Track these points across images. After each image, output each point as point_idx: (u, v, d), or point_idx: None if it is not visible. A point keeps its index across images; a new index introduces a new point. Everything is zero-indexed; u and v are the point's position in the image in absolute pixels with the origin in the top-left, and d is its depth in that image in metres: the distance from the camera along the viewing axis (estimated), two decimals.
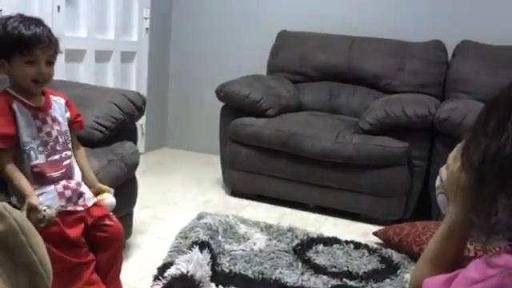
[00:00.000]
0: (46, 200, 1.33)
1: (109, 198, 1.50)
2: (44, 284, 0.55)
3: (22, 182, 1.30)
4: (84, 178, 1.48)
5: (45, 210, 1.27)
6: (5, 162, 1.31)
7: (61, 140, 1.40)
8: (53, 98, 1.44)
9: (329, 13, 3.37)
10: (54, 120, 1.40)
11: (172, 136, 3.96)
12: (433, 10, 3.15)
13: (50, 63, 1.35)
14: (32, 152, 1.33)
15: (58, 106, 1.44)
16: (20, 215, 0.55)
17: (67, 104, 1.48)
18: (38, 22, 1.34)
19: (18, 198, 1.32)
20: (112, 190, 1.54)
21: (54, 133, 1.39)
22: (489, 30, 2.98)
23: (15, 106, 1.32)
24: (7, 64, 1.31)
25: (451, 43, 2.98)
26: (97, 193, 1.49)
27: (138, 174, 2.01)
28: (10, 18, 1.32)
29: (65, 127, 1.44)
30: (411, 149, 2.51)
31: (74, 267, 1.36)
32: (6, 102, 1.32)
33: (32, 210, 1.27)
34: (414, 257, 2.09)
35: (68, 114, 1.47)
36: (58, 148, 1.39)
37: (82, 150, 1.54)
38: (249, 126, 2.72)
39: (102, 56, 3.09)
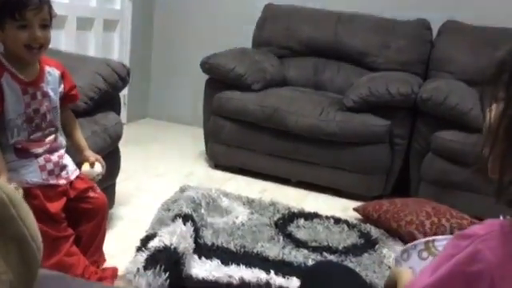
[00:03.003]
0: (27, 173, 1.31)
1: (96, 168, 1.47)
2: (35, 257, 0.55)
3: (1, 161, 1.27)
4: (74, 145, 1.46)
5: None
6: None
7: (48, 117, 1.36)
8: (47, 69, 1.38)
9: None
10: (45, 95, 1.35)
11: (155, 107, 3.92)
12: None
13: (45, 26, 1.28)
14: (15, 129, 1.29)
15: (52, 79, 1.38)
16: (9, 188, 0.55)
17: (62, 76, 1.43)
18: None
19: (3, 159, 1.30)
20: (100, 158, 1.51)
21: (43, 109, 1.34)
22: (474, 10, 3.00)
23: (4, 80, 1.26)
24: (0, 32, 1.26)
25: (436, 22, 2.99)
26: (83, 161, 1.47)
27: (120, 144, 1.99)
28: None
29: (55, 103, 1.39)
30: (393, 127, 2.54)
31: (52, 240, 1.35)
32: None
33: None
34: (391, 233, 2.15)
35: (61, 88, 1.42)
36: (43, 125, 1.35)
37: (75, 123, 1.51)
38: (233, 100, 2.71)
39: (84, 23, 3.01)
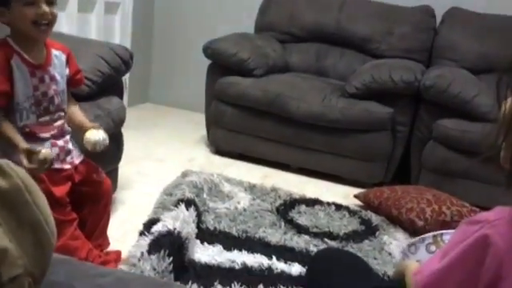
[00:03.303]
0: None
1: (99, 133, 1.40)
2: (49, 242, 0.56)
3: (10, 132, 1.26)
4: (76, 125, 1.43)
5: (40, 151, 1.23)
6: None
7: (56, 100, 1.35)
8: (54, 52, 1.37)
9: None
10: (52, 79, 1.34)
11: (155, 91, 3.90)
12: None
13: (51, 3, 1.27)
14: (24, 112, 1.29)
15: (59, 63, 1.38)
16: (24, 173, 0.55)
17: (68, 59, 1.42)
18: None
19: (4, 152, 1.30)
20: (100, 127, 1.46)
21: (51, 92, 1.34)
22: None
23: (13, 61, 1.26)
24: (7, 11, 1.24)
25: (440, 9, 2.97)
26: (87, 130, 1.41)
27: (122, 127, 1.98)
28: None
29: (62, 86, 1.38)
30: (395, 114, 2.54)
31: (57, 224, 1.35)
32: (5, 55, 1.25)
33: (30, 155, 1.22)
34: (392, 220, 2.17)
35: (67, 71, 1.42)
36: (52, 109, 1.34)
37: (76, 107, 1.49)
38: (235, 85, 2.70)
39: (85, 5, 2.98)
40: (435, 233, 1.02)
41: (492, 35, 2.81)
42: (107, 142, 1.40)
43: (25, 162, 1.21)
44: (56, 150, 1.36)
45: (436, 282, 0.68)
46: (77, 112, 1.47)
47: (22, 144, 1.24)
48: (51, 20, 1.28)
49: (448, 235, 1.00)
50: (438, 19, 2.99)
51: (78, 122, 1.44)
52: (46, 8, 1.25)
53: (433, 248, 1.01)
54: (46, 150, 1.25)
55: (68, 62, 1.42)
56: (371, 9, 3.06)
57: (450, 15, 2.96)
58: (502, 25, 2.83)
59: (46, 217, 0.56)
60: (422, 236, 1.03)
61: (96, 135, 1.37)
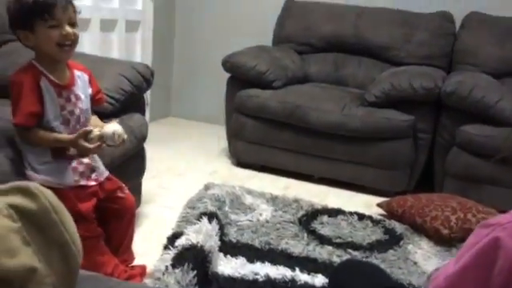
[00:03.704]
0: (60, 175, 1.35)
1: (114, 125, 1.39)
2: (75, 260, 0.58)
3: (51, 135, 1.32)
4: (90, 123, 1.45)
5: (91, 130, 1.33)
6: (31, 136, 1.31)
7: (82, 119, 1.40)
8: (77, 73, 1.42)
9: None
10: (77, 98, 1.39)
11: (177, 105, 3.96)
12: None
13: (73, 24, 1.33)
14: (56, 130, 1.34)
15: (82, 83, 1.42)
16: (51, 194, 0.57)
17: (90, 79, 1.47)
18: None
19: (38, 158, 1.34)
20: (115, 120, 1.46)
21: (77, 111, 1.38)
22: (498, 1, 2.94)
23: (42, 83, 1.31)
24: (31, 35, 1.29)
25: (459, 14, 2.94)
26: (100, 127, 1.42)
27: (145, 143, 2.02)
28: None
29: (86, 105, 1.43)
30: (417, 121, 2.52)
31: (83, 240, 1.38)
32: (35, 78, 1.30)
33: (85, 138, 1.31)
34: (416, 228, 2.14)
35: (90, 91, 1.46)
36: (78, 127, 1.39)
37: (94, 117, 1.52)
38: (255, 98, 2.72)
39: (107, 25, 3.06)
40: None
41: None
42: (125, 135, 1.40)
43: (89, 145, 1.32)
44: (82, 168, 1.40)
45: (450, 286, 0.68)
46: (94, 119, 1.50)
47: (71, 136, 1.32)
48: (74, 41, 1.33)
49: None
50: (457, 24, 2.97)
51: (95, 125, 1.46)
52: (69, 29, 1.30)
53: None
54: (96, 129, 1.34)
55: (90, 81, 1.47)
56: (388, 16, 3.05)
57: (469, 20, 2.94)
58: None
59: (72, 236, 0.58)
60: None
61: (112, 127, 1.38)
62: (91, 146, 1.33)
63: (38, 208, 0.55)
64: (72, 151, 1.37)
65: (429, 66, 2.84)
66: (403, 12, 3.05)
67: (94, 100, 1.49)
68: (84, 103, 1.42)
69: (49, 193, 0.57)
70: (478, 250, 0.65)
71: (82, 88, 1.42)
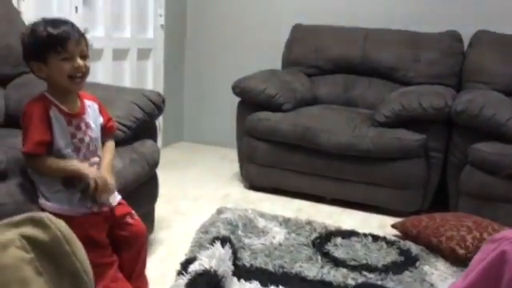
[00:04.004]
0: (72, 203, 1.36)
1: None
2: None
3: (62, 162, 1.34)
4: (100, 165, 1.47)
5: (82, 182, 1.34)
6: (39, 164, 1.34)
7: (91, 147, 1.43)
8: (87, 102, 1.45)
9: (342, 5, 3.36)
10: (88, 126, 1.42)
11: (189, 130, 4.00)
12: (449, 0, 3.12)
13: (85, 57, 1.37)
14: (67, 158, 1.36)
15: (92, 112, 1.46)
16: (63, 225, 0.59)
17: (100, 108, 1.50)
18: (63, 21, 1.36)
19: (49, 188, 1.36)
20: (108, 181, 1.43)
21: (87, 139, 1.41)
22: (505, 19, 2.95)
23: (52, 112, 1.34)
24: (44, 67, 1.33)
25: (467, 33, 2.95)
26: None
27: (157, 168, 2.04)
28: (35, 23, 1.35)
29: (96, 133, 1.45)
30: (428, 141, 2.51)
31: (98, 266, 1.39)
32: (44, 107, 1.34)
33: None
34: (432, 249, 2.11)
35: (101, 120, 1.49)
36: (88, 155, 1.42)
37: (110, 142, 1.54)
38: (265, 121, 2.75)
39: (119, 54, 3.13)
40: None
41: None
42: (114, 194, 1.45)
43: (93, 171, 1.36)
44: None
45: None
46: (106, 155, 1.51)
47: (76, 164, 1.36)
48: (85, 73, 1.37)
49: None
50: (466, 42, 2.98)
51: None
52: (80, 62, 1.34)
53: None
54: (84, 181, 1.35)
55: (100, 110, 1.50)
56: (396, 37, 3.08)
57: (477, 38, 2.95)
58: None
59: (84, 266, 0.59)
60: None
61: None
62: (95, 173, 1.36)
63: (50, 238, 0.57)
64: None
65: (439, 84, 2.85)
66: (410, 32, 3.07)
67: (106, 128, 1.52)
68: (94, 132, 1.45)
69: (61, 223, 0.59)
70: (485, 265, 0.65)
71: (93, 117, 1.46)
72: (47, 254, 0.56)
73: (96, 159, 1.45)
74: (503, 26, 2.90)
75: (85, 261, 0.60)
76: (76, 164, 1.36)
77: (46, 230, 0.57)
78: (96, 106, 1.49)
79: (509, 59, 2.79)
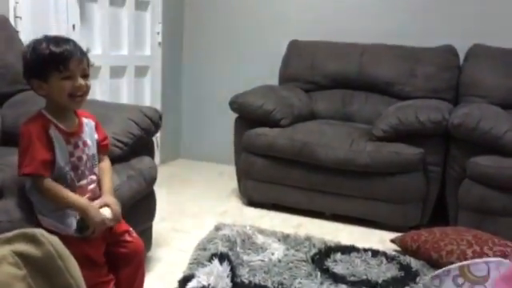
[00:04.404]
0: (69, 223, 1.35)
1: (104, 211, 1.39)
2: None
3: (70, 194, 1.33)
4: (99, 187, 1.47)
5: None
6: (43, 184, 1.31)
7: (88, 165, 1.42)
8: (84, 120, 1.45)
9: (338, 21, 3.39)
10: (85, 144, 1.42)
11: (187, 147, 4.00)
12: (443, 15, 3.15)
13: (86, 76, 1.36)
14: (67, 176, 1.35)
15: (89, 130, 1.45)
16: (56, 240, 0.58)
17: (96, 125, 1.50)
18: (65, 39, 1.37)
19: (47, 208, 1.34)
20: (112, 206, 1.43)
21: (84, 157, 1.41)
22: (500, 33, 2.98)
23: (51, 131, 1.33)
24: (45, 84, 1.33)
25: (463, 47, 2.98)
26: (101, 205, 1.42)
27: (155, 186, 2.03)
28: (36, 41, 1.35)
29: (93, 151, 1.45)
30: (426, 154, 2.51)
31: (94, 285, 1.38)
32: (44, 127, 1.33)
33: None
34: (432, 263, 2.09)
35: (96, 137, 1.49)
36: (86, 173, 1.41)
37: (106, 162, 1.53)
38: (263, 137, 2.74)
39: (117, 71, 3.15)
40: (461, 264, 0.97)
41: None
42: (111, 219, 1.41)
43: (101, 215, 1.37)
44: None
45: None
46: (103, 176, 1.50)
47: (83, 201, 1.36)
48: (85, 92, 1.37)
49: (476, 266, 0.95)
50: (461, 57, 3.00)
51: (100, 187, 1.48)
52: (81, 81, 1.34)
53: (460, 280, 0.95)
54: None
55: (96, 128, 1.50)
56: (392, 52, 3.10)
57: (473, 52, 2.97)
58: None
59: (77, 282, 0.58)
60: (447, 268, 0.98)
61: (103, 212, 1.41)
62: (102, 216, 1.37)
63: (42, 254, 0.56)
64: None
65: (436, 99, 2.86)
66: (406, 47, 3.09)
67: (100, 146, 1.51)
68: (91, 149, 1.44)
69: (54, 239, 0.58)
70: None
71: (89, 134, 1.45)
72: (40, 270, 0.55)
73: (93, 177, 1.44)
74: (497, 39, 2.92)
75: (78, 277, 0.58)
76: (85, 202, 1.35)
77: (39, 245, 0.56)
78: (93, 124, 1.48)
79: (505, 72, 2.81)
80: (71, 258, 0.59)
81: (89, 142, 1.43)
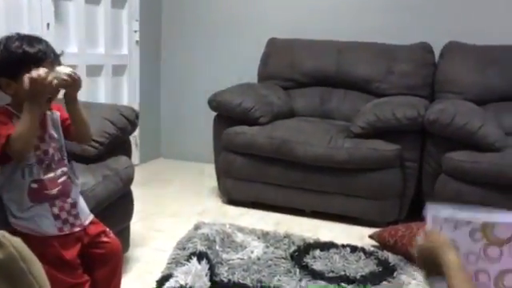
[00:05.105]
0: (42, 223, 1.33)
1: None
2: None
3: (24, 117, 1.26)
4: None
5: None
6: (12, 142, 1.26)
7: (56, 158, 1.39)
8: (47, 113, 1.42)
9: (316, 19, 3.40)
10: (51, 137, 1.39)
11: (167, 146, 3.97)
12: (419, 13, 3.19)
13: None
14: (33, 168, 1.33)
15: (54, 121, 1.42)
16: (19, 242, 0.57)
17: (59, 111, 1.45)
18: (38, 39, 1.34)
19: (19, 207, 1.32)
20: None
21: (51, 151, 1.38)
22: (474, 30, 3.02)
23: (15, 122, 1.30)
24: (14, 83, 1.30)
25: (438, 45, 3.02)
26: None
27: (134, 185, 2.00)
28: (8, 37, 1.32)
29: (60, 143, 1.42)
30: (403, 151, 2.54)
31: (69, 287, 1.36)
32: (9, 117, 1.31)
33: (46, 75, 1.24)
34: (409, 258, 2.12)
35: (60, 123, 1.44)
36: (54, 166, 1.38)
37: None
38: (242, 135, 2.74)
39: (94, 70, 3.11)
40: (486, 221, 0.90)
41: (491, 65, 2.83)
42: (72, 75, 1.32)
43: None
44: (64, 215, 1.38)
45: None
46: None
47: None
48: (55, 94, 1.35)
49: (501, 227, 0.88)
50: (437, 54, 3.04)
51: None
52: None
53: (478, 236, 0.88)
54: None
55: (60, 113, 1.46)
56: (369, 50, 3.12)
57: (448, 49, 3.01)
58: (502, 55, 2.87)
59: (41, 284, 0.57)
60: (467, 218, 0.91)
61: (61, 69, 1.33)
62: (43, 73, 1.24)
63: (4, 256, 0.55)
64: (51, 191, 1.35)
65: (412, 95, 2.89)
66: (383, 45, 3.12)
67: (65, 127, 1.46)
68: (58, 142, 1.42)
69: (16, 241, 0.57)
70: None
71: (55, 126, 1.42)
72: (2, 272, 0.54)
73: (64, 169, 1.41)
74: (472, 37, 2.97)
75: (43, 278, 0.58)
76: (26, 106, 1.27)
77: (1, 248, 0.55)
78: (57, 114, 1.44)
79: (479, 69, 2.85)
80: (34, 259, 0.58)
81: (55, 134, 1.41)
